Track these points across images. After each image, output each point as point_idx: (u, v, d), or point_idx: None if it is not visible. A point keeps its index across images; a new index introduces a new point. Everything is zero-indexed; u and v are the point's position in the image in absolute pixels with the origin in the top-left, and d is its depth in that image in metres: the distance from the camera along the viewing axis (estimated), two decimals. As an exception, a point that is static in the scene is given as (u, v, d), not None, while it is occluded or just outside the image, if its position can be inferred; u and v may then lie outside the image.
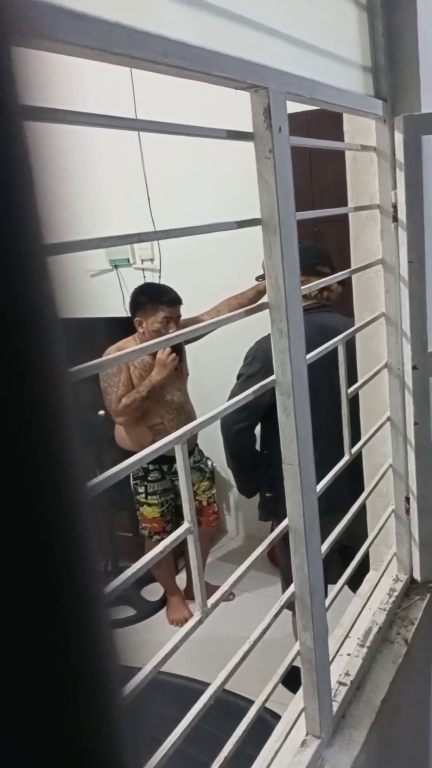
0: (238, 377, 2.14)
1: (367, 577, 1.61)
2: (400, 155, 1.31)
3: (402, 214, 1.34)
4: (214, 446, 2.47)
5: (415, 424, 1.45)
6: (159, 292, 2.70)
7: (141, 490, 2.92)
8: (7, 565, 0.17)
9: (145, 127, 0.77)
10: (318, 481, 1.07)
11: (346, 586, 1.29)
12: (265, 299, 0.93)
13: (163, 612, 3.15)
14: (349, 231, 1.47)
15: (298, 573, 1.03)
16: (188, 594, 3.12)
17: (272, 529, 1.04)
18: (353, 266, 1.40)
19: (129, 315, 2.76)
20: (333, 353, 1.15)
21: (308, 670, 1.08)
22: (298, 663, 1.09)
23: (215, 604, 0.86)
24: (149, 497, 2.92)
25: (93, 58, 0.59)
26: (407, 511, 1.54)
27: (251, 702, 0.99)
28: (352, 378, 1.29)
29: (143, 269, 3.62)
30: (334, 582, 1.28)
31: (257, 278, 2.65)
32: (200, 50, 0.71)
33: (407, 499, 1.53)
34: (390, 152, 1.33)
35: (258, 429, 2.23)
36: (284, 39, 0.95)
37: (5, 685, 0.17)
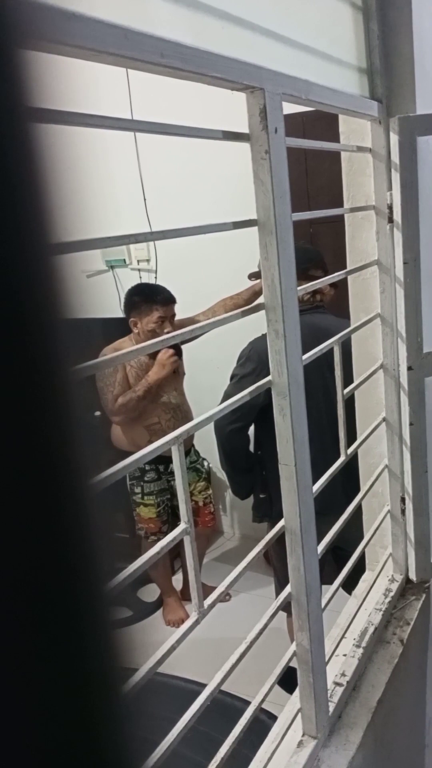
0: (232, 378, 2.14)
1: (363, 577, 1.61)
2: (395, 156, 1.31)
3: (397, 215, 1.34)
4: (209, 447, 2.47)
5: (411, 424, 1.46)
6: (153, 292, 2.70)
7: (137, 490, 2.92)
8: (17, 563, 0.17)
9: (141, 128, 0.77)
10: (312, 482, 1.07)
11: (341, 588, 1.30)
12: (261, 300, 0.93)
13: (159, 613, 3.15)
14: (345, 232, 1.47)
15: (295, 574, 1.03)
16: (184, 595, 3.12)
17: (268, 530, 1.04)
18: (349, 267, 1.40)
19: (124, 316, 2.76)
20: (327, 354, 1.15)
21: (305, 671, 1.08)
22: (294, 664, 1.09)
23: (212, 605, 0.86)
24: (146, 497, 2.92)
25: (89, 58, 0.59)
26: (402, 511, 1.54)
27: (248, 703, 0.99)
28: (346, 379, 1.29)
29: (139, 270, 3.62)
30: (328, 582, 1.28)
31: (250, 276, 2.65)
32: (196, 51, 0.71)
33: (402, 500, 1.53)
34: (385, 153, 1.33)
35: (251, 430, 2.23)
36: (280, 40, 0.95)
37: (11, 680, 0.17)
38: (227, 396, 2.03)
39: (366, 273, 1.43)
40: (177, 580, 3.21)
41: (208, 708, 0.84)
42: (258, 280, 2.64)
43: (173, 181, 3.33)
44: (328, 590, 1.24)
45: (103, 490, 0.58)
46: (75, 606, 0.19)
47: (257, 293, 2.67)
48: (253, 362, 2.06)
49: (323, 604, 1.12)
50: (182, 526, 0.81)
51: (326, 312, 2.20)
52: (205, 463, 3.10)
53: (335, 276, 1.27)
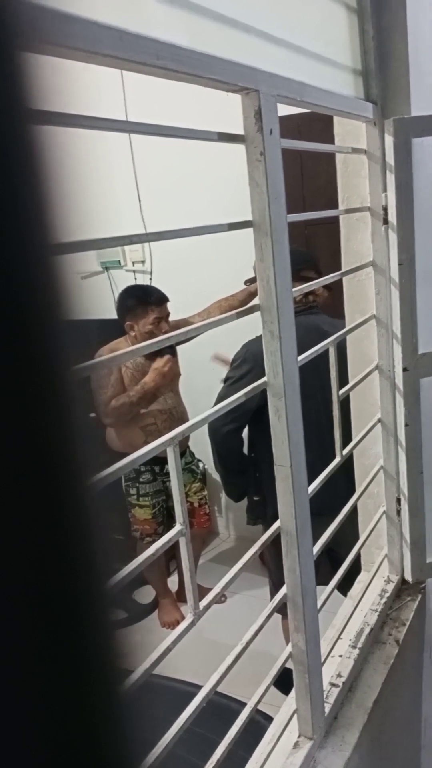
0: (226, 380, 2.14)
1: (359, 578, 1.61)
2: (390, 158, 1.32)
3: (392, 217, 1.35)
4: (205, 448, 2.47)
5: (406, 425, 1.46)
6: (146, 293, 2.70)
7: (133, 491, 2.92)
8: (20, 562, 0.17)
9: (136, 129, 0.77)
10: (307, 483, 1.07)
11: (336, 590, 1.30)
12: (256, 301, 0.93)
13: (155, 615, 3.14)
14: (340, 233, 1.47)
15: (290, 575, 1.03)
16: (180, 596, 3.11)
17: (263, 533, 1.04)
18: (344, 268, 1.41)
19: (118, 319, 2.76)
20: (321, 355, 1.15)
21: (300, 672, 1.08)
22: (290, 665, 1.09)
23: (207, 607, 0.86)
24: (141, 499, 2.91)
25: (84, 60, 0.59)
26: (398, 512, 1.54)
27: (243, 704, 0.99)
28: (341, 380, 1.29)
29: (134, 271, 3.62)
30: (323, 583, 1.28)
31: (246, 282, 2.65)
32: (192, 53, 0.71)
33: (398, 501, 1.54)
34: (380, 155, 1.34)
35: (245, 433, 2.23)
36: (275, 42, 0.96)
37: (10, 681, 0.17)
38: (221, 398, 2.03)
39: (361, 274, 1.43)
40: (172, 582, 3.21)
41: (204, 709, 0.84)
42: (253, 283, 2.64)
43: (168, 182, 3.33)
44: (324, 591, 1.24)
45: (100, 491, 0.58)
46: (75, 606, 0.19)
47: (253, 294, 2.67)
48: (248, 364, 2.06)
49: (319, 605, 1.12)
50: (178, 527, 0.81)
51: (320, 313, 2.20)
52: (201, 465, 3.10)
53: (330, 277, 1.27)
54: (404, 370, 1.43)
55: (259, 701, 1.00)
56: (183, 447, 2.93)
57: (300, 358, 0.99)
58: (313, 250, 2.90)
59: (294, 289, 0.97)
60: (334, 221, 1.50)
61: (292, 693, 1.12)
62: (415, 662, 1.63)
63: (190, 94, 2.69)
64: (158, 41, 0.66)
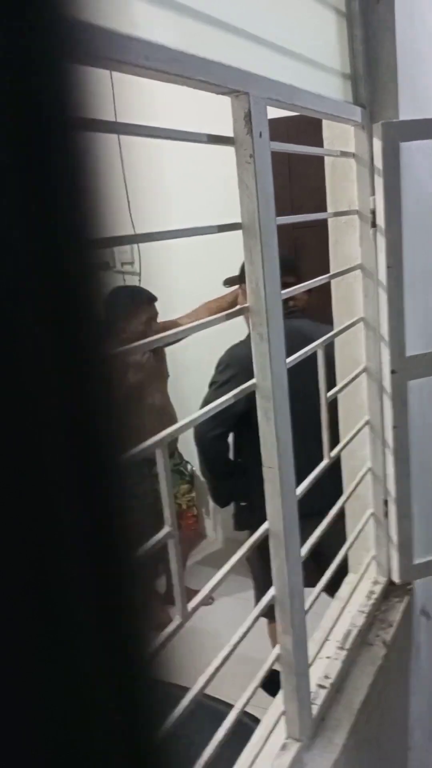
0: (211, 385, 2.13)
1: (346, 579, 1.62)
2: (378, 162, 1.32)
3: (380, 220, 1.35)
4: (193, 450, 2.47)
5: (394, 427, 1.47)
6: (135, 294, 2.70)
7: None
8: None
9: (125, 131, 0.77)
10: (295, 485, 1.07)
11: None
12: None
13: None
14: (329, 236, 1.48)
15: (278, 577, 1.03)
16: (168, 598, 3.11)
17: (248, 537, 1.04)
18: (332, 271, 1.41)
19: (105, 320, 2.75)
20: (308, 358, 1.16)
21: (288, 674, 1.08)
22: (277, 667, 1.09)
23: (195, 609, 0.86)
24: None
25: (72, 60, 0.59)
26: (386, 514, 1.55)
27: (231, 706, 0.99)
28: (329, 382, 1.30)
29: (123, 272, 3.61)
30: (309, 585, 1.28)
31: (225, 282, 2.64)
32: (181, 54, 0.71)
33: (385, 503, 1.54)
34: (368, 159, 1.34)
35: (231, 438, 2.23)
36: (264, 45, 0.96)
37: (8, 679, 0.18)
38: (207, 403, 2.03)
39: (349, 277, 1.44)
40: (160, 584, 3.20)
41: (190, 712, 0.84)
42: (236, 286, 2.64)
43: (157, 183, 3.33)
44: (311, 593, 1.24)
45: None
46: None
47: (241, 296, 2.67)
48: (233, 369, 2.06)
49: (306, 607, 1.12)
50: (166, 529, 0.81)
51: (301, 317, 2.21)
52: (189, 466, 3.09)
53: (318, 280, 1.27)
54: (392, 372, 1.44)
55: (246, 703, 1.00)
56: (171, 448, 2.93)
57: (288, 360, 1.00)
58: (301, 253, 2.91)
59: (284, 291, 0.97)
60: (323, 224, 1.50)
61: (280, 695, 1.12)
62: (403, 663, 1.63)
63: (180, 96, 2.69)
64: (148, 42, 0.66)
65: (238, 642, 0.97)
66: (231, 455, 2.28)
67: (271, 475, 0.99)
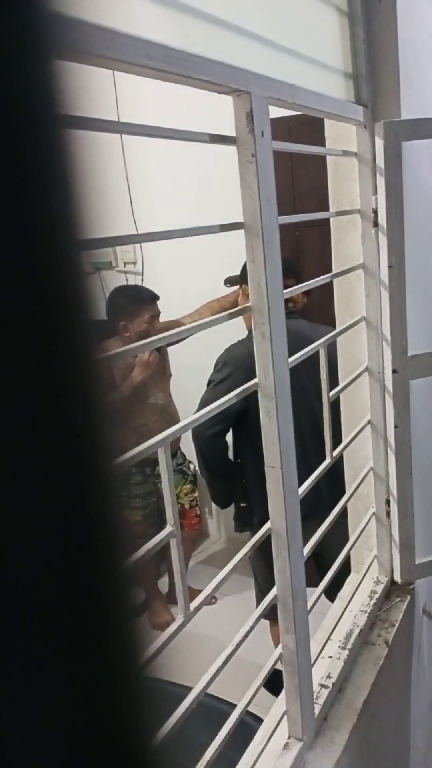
0: (209, 384, 2.14)
1: (348, 579, 1.62)
2: (380, 161, 1.32)
3: (382, 219, 1.35)
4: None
5: (395, 427, 1.46)
6: (138, 293, 2.71)
7: (123, 493, 2.91)
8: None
9: (128, 130, 0.77)
10: (297, 484, 1.07)
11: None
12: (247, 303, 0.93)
13: (145, 616, 3.13)
14: (331, 236, 1.48)
15: (280, 576, 1.03)
16: (170, 598, 3.11)
17: (249, 539, 1.04)
18: (334, 270, 1.41)
19: (107, 319, 2.76)
20: (309, 359, 1.16)
21: (290, 673, 1.08)
22: (279, 666, 1.09)
23: (197, 608, 0.86)
24: (132, 501, 2.91)
25: (75, 60, 0.59)
26: (387, 513, 1.55)
27: (233, 706, 0.99)
28: (331, 382, 1.30)
29: (125, 272, 3.61)
30: (310, 585, 1.28)
31: (225, 282, 2.65)
32: (183, 54, 0.71)
33: (387, 502, 1.54)
34: (370, 158, 1.34)
35: (230, 440, 2.23)
36: (267, 44, 0.96)
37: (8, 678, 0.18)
38: (204, 402, 2.03)
39: (351, 277, 1.43)
40: (163, 584, 3.20)
41: (193, 711, 0.84)
42: (237, 286, 2.65)
43: (160, 183, 3.33)
44: (313, 593, 1.24)
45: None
46: (98, 588, 0.19)
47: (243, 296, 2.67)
48: (230, 367, 2.07)
49: (309, 607, 1.12)
50: (168, 528, 0.81)
51: (299, 318, 2.21)
52: (191, 466, 3.10)
53: (321, 279, 1.27)
54: (394, 372, 1.44)
55: (249, 703, 1.00)
56: (174, 448, 2.93)
57: (290, 359, 1.00)
58: (303, 253, 2.91)
59: (287, 290, 0.97)
60: (325, 224, 1.50)
61: (282, 694, 1.12)
62: (404, 663, 1.63)
63: (184, 96, 2.69)
64: (150, 42, 0.66)
65: (241, 641, 0.97)
66: (231, 456, 2.28)
67: (273, 475, 0.99)
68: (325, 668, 1.29)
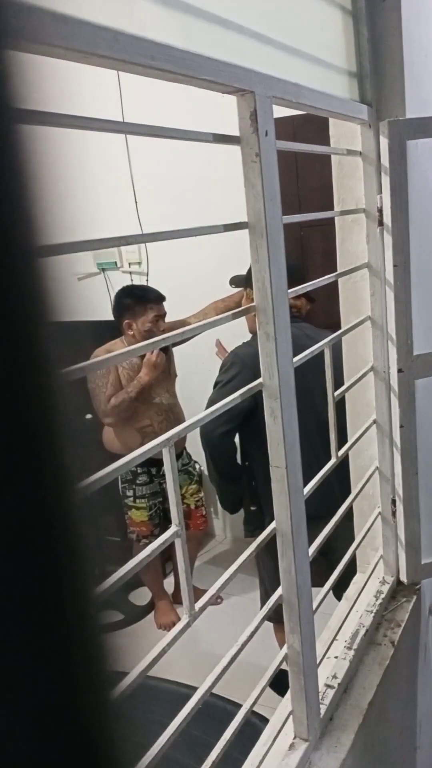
0: (215, 385, 2.14)
1: (354, 579, 1.61)
2: (385, 160, 1.32)
3: (387, 218, 1.35)
4: (201, 450, 2.48)
5: (401, 426, 1.46)
6: (144, 292, 2.72)
7: (129, 493, 2.91)
8: (4, 566, 0.17)
9: (132, 130, 0.77)
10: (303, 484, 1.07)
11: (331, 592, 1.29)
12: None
13: (150, 616, 3.14)
14: (335, 235, 1.48)
15: (286, 576, 1.03)
16: (176, 598, 3.11)
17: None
18: (339, 270, 1.41)
19: (114, 319, 2.76)
20: (315, 361, 1.15)
21: (296, 673, 1.08)
22: (285, 666, 1.09)
23: (203, 608, 0.86)
24: (137, 501, 2.91)
25: (79, 60, 0.59)
26: (393, 513, 1.54)
27: (239, 706, 0.99)
28: (337, 382, 1.29)
29: (131, 272, 3.61)
30: (316, 585, 1.28)
31: (230, 282, 2.65)
32: (187, 54, 0.71)
33: (393, 502, 1.54)
34: (375, 157, 1.34)
35: (238, 442, 2.22)
36: (270, 43, 0.96)
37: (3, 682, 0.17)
38: (212, 402, 2.03)
39: (356, 276, 1.43)
40: (168, 584, 3.20)
41: (199, 711, 0.84)
42: (240, 289, 2.64)
43: (164, 183, 3.33)
44: (319, 593, 1.24)
45: (95, 493, 0.58)
46: (64, 610, 0.19)
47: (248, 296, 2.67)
48: (237, 367, 2.07)
49: (314, 607, 1.12)
50: (173, 528, 0.81)
51: (302, 322, 2.21)
52: (197, 466, 3.10)
53: (325, 279, 1.27)
54: (399, 371, 1.43)
55: (254, 703, 1.00)
56: (180, 448, 2.93)
57: (295, 359, 0.99)
58: (307, 252, 2.91)
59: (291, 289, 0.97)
60: (329, 223, 1.50)
61: (288, 694, 1.12)
62: (410, 663, 1.63)
63: (188, 96, 2.69)
64: (153, 42, 0.66)
65: (246, 641, 0.97)
66: (239, 459, 2.28)
67: (278, 475, 0.99)
68: (331, 668, 1.29)
